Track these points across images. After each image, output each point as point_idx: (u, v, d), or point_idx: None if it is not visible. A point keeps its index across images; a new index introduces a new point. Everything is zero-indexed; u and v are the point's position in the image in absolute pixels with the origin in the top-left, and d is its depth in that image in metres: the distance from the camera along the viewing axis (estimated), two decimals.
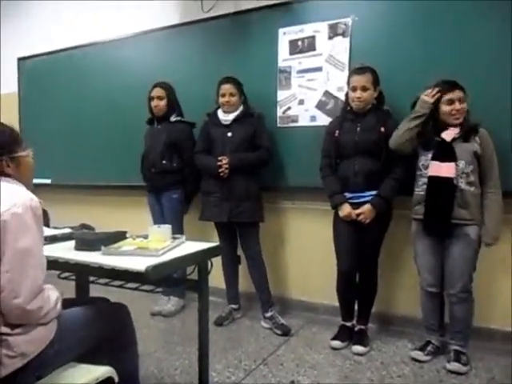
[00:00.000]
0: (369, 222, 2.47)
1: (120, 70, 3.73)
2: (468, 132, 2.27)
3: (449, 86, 2.29)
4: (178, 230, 2.88)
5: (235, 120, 2.88)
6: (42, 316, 1.32)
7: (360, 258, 2.56)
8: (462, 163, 2.25)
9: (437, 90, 2.30)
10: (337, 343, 2.59)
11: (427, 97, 2.31)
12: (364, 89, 2.46)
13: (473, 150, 2.25)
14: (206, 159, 2.92)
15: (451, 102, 2.28)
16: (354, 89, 2.48)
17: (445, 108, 2.30)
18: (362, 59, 2.59)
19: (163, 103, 3.11)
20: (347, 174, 2.51)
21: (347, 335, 2.63)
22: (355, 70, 2.53)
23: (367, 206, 2.45)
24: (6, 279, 1.23)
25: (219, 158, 2.82)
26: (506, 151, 2.37)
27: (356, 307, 2.69)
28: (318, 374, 2.30)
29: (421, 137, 2.38)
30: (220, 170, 2.80)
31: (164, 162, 3.10)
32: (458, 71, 2.41)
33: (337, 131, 2.56)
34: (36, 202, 1.35)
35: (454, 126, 2.30)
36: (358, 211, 2.48)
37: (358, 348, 2.53)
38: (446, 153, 2.28)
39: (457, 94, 2.27)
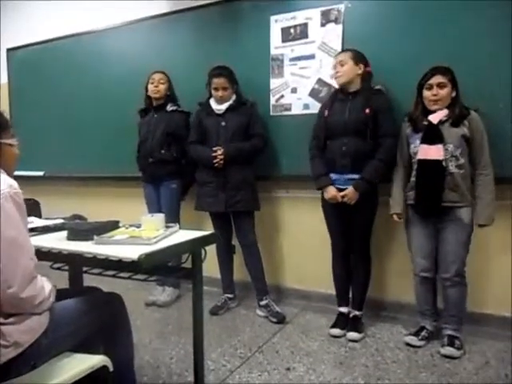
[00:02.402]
0: (355, 206, 2.48)
1: (111, 59, 3.69)
2: (457, 118, 2.26)
3: (430, 71, 2.30)
4: (174, 219, 2.88)
5: (228, 109, 2.86)
6: (36, 305, 1.31)
7: (351, 241, 2.59)
8: (450, 146, 2.26)
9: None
10: (336, 331, 2.61)
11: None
12: (341, 64, 2.51)
13: (461, 133, 2.25)
14: (201, 150, 2.90)
15: (430, 87, 2.28)
16: (334, 67, 2.56)
17: (425, 93, 2.31)
18: (354, 46, 2.58)
19: (164, 87, 3.09)
20: (335, 154, 2.52)
21: (345, 322, 2.65)
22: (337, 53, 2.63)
23: (350, 189, 2.47)
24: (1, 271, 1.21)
25: (214, 149, 2.80)
26: (498, 137, 2.36)
27: (350, 293, 2.70)
28: (314, 361, 2.31)
29: (411, 121, 2.39)
30: (215, 161, 2.79)
31: (163, 151, 3.07)
32: (451, 57, 2.41)
33: (326, 111, 2.57)
34: (16, 189, 1.31)
35: (442, 109, 2.29)
36: (342, 193, 2.49)
37: (352, 334, 2.54)
38: (433, 135, 2.28)
39: (436, 79, 2.27)
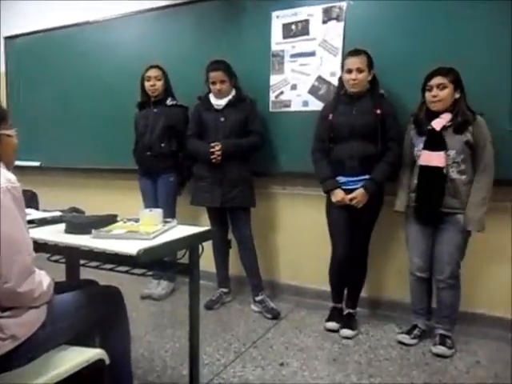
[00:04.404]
0: (362, 206, 2.48)
1: (110, 51, 3.67)
2: (460, 124, 2.25)
3: (432, 72, 2.30)
4: (170, 213, 2.89)
5: (228, 105, 2.85)
6: (35, 298, 1.31)
7: (352, 243, 2.59)
8: (452, 152, 2.26)
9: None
10: (332, 324, 2.64)
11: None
12: (359, 70, 2.45)
13: (465, 140, 2.25)
14: (199, 144, 2.90)
15: (430, 88, 2.29)
16: (350, 71, 2.46)
17: (426, 95, 2.31)
18: (356, 44, 2.57)
19: (160, 84, 3.08)
20: (343, 157, 2.50)
21: (340, 317, 2.68)
22: (350, 52, 2.51)
23: (360, 191, 2.46)
24: None
25: (212, 145, 2.79)
26: (495, 139, 2.37)
27: (345, 291, 2.72)
28: (307, 357, 2.34)
29: (415, 123, 2.39)
30: (212, 157, 2.79)
31: (163, 145, 3.07)
32: (453, 57, 2.41)
33: (331, 114, 2.55)
34: (14, 183, 1.30)
35: (446, 112, 2.29)
36: (350, 196, 2.48)
37: (346, 331, 2.57)
38: (436, 142, 2.29)
39: (436, 80, 2.27)
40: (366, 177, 2.47)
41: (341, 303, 2.73)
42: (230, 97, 2.86)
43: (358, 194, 2.47)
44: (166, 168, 3.10)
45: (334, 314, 2.70)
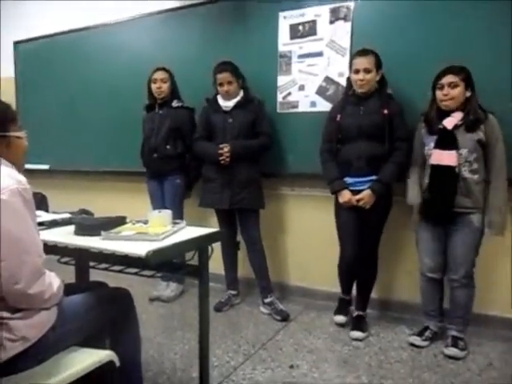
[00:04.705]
0: (370, 207, 2.47)
1: (119, 54, 3.68)
2: (472, 122, 2.23)
3: (442, 70, 2.28)
4: (178, 215, 2.88)
5: (236, 106, 2.85)
6: (45, 300, 1.31)
7: (361, 244, 2.57)
8: (464, 151, 2.23)
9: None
10: (340, 318, 2.66)
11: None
12: (367, 71, 2.43)
13: (477, 138, 2.23)
14: (207, 146, 2.90)
15: (441, 87, 2.26)
16: (357, 71, 2.45)
17: (437, 93, 2.29)
18: (363, 44, 2.56)
19: (166, 86, 3.08)
20: (350, 158, 2.49)
21: (348, 309, 2.72)
22: (358, 53, 2.50)
23: (367, 192, 2.45)
24: (2, 267, 1.21)
25: (220, 146, 2.79)
26: (507, 138, 2.34)
27: (355, 293, 2.71)
28: (317, 359, 2.32)
29: (426, 122, 2.37)
30: (221, 158, 2.78)
31: (168, 146, 3.07)
32: (462, 55, 2.38)
33: (338, 115, 2.54)
34: (24, 185, 1.30)
35: (457, 111, 2.27)
36: (358, 197, 2.47)
37: (356, 333, 2.55)
38: (447, 141, 2.26)
39: (447, 79, 2.25)
40: (374, 177, 2.45)
41: (349, 295, 2.74)
42: (238, 98, 2.86)
43: (365, 195, 2.45)
44: (172, 170, 3.10)
45: (342, 307, 2.73)
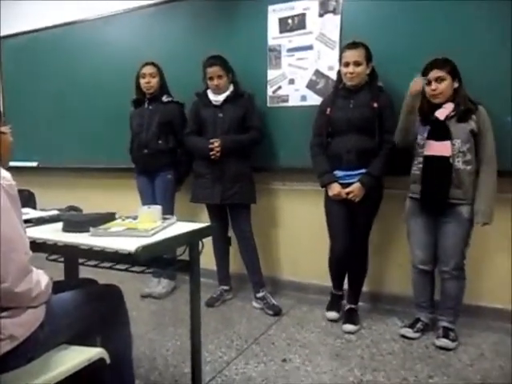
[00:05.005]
0: (359, 200, 2.47)
1: (106, 48, 3.64)
2: (464, 112, 2.24)
3: (427, 65, 2.28)
4: (169, 210, 2.85)
5: (226, 100, 2.83)
6: (33, 298, 1.29)
7: (352, 237, 2.57)
8: (457, 142, 2.24)
9: (418, 80, 2.26)
10: (332, 314, 2.66)
11: (411, 90, 2.28)
12: (357, 64, 2.43)
13: (469, 128, 2.24)
14: (198, 141, 2.88)
15: (429, 82, 2.27)
16: (347, 64, 2.44)
17: (425, 88, 2.30)
18: (353, 37, 2.55)
19: (155, 81, 3.05)
20: (340, 151, 2.49)
21: (340, 305, 2.72)
22: (348, 45, 2.49)
23: (356, 185, 2.45)
24: None
25: (211, 141, 2.77)
26: (497, 130, 2.35)
27: (346, 287, 2.71)
28: (310, 353, 2.32)
29: (419, 112, 2.37)
30: (211, 153, 2.76)
31: (160, 141, 3.04)
32: (451, 48, 2.38)
33: (328, 108, 2.53)
34: (9, 181, 1.27)
35: (448, 102, 2.27)
36: (347, 190, 2.47)
37: (348, 326, 2.55)
38: (440, 132, 2.27)
39: (433, 73, 2.26)
40: (363, 171, 2.45)
41: (341, 290, 2.74)
42: (228, 92, 2.84)
43: (355, 188, 2.45)
44: (163, 165, 3.08)
45: (334, 302, 2.72)
